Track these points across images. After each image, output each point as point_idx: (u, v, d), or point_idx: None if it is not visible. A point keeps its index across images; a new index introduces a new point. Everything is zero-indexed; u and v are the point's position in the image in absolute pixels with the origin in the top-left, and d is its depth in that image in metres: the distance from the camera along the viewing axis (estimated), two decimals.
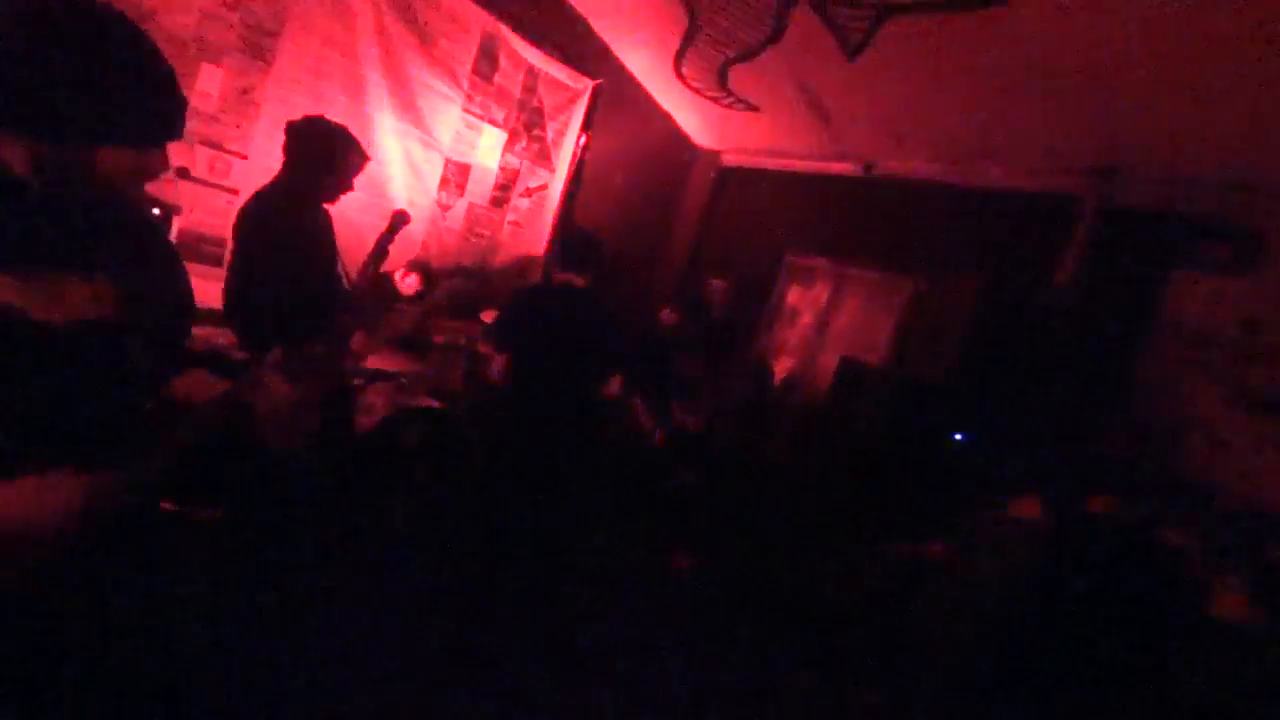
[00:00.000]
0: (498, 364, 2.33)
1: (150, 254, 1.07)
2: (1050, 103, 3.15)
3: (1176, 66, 2.57)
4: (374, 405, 3.14)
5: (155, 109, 0.90)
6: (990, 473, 3.06)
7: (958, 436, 3.46)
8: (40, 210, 0.86)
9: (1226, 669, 2.18)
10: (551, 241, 4.52)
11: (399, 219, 2.10)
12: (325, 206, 2.12)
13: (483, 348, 3.55)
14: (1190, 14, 2.31)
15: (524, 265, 4.51)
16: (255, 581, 2.15)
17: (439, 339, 3.62)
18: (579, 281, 2.40)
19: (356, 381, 2.62)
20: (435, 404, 3.23)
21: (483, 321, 3.86)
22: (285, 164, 1.99)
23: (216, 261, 2.88)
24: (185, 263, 1.17)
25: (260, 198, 1.98)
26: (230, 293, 1.95)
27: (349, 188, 2.07)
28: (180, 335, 1.17)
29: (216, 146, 2.97)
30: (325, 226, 2.12)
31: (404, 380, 3.26)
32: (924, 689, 2.54)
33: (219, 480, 2.25)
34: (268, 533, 2.21)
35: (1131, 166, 3.33)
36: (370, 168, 2.30)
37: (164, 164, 0.95)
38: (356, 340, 2.08)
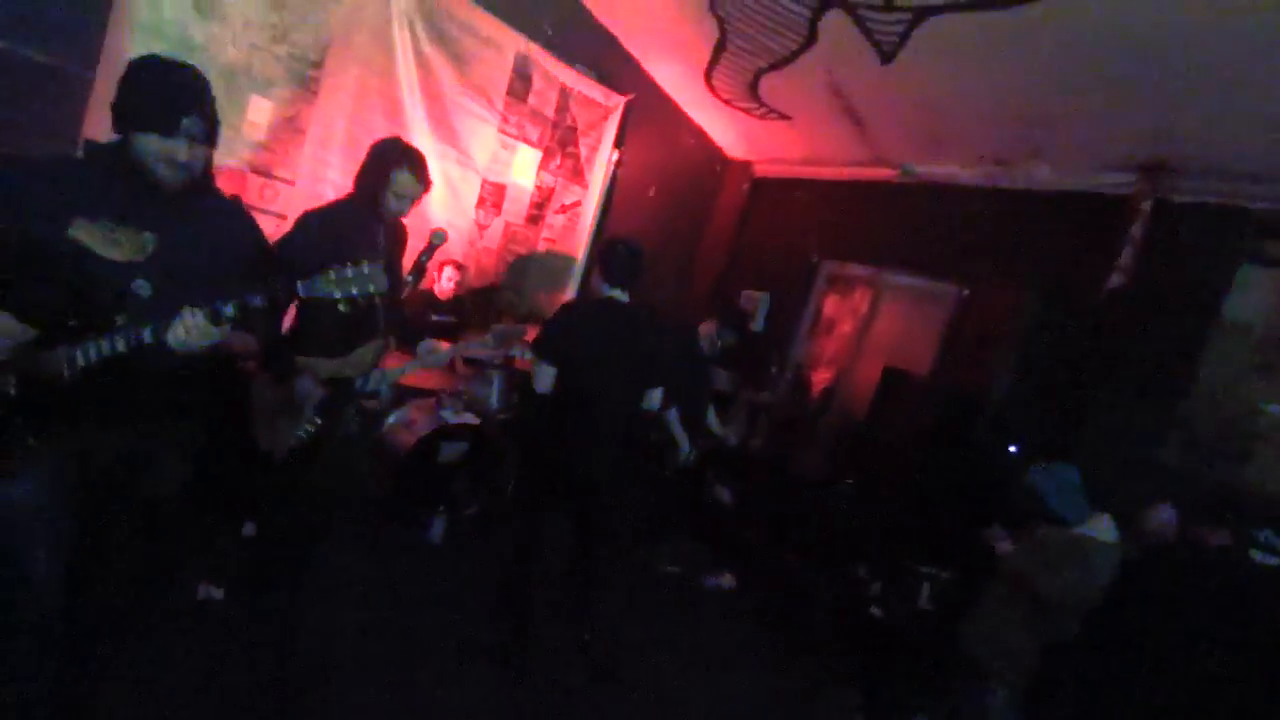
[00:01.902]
0: (545, 377, 2.33)
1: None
2: (1097, 99, 3.03)
3: (1229, 57, 2.44)
4: (415, 421, 3.19)
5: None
6: (1047, 487, 2.90)
7: (1012, 449, 3.32)
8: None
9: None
10: (589, 256, 4.55)
11: (437, 237, 2.14)
12: (399, 223, 2.26)
13: (519, 362, 3.57)
14: (1238, 3, 2.19)
15: (559, 280, 4.55)
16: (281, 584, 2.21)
17: (471, 353, 3.66)
18: (623, 296, 2.40)
19: (371, 402, 2.67)
20: (474, 420, 3.26)
21: (517, 335, 3.89)
22: (356, 177, 2.11)
23: None
24: None
25: (326, 208, 2.10)
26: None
27: (404, 208, 2.15)
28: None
29: (266, 174, 3.09)
30: (392, 243, 2.21)
31: (443, 397, 3.30)
32: (973, 712, 2.41)
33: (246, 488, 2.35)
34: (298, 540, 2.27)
35: (1186, 161, 3.16)
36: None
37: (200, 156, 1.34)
38: (391, 357, 2.13)
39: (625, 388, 2.43)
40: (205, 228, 1.40)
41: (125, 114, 1.26)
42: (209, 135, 1.33)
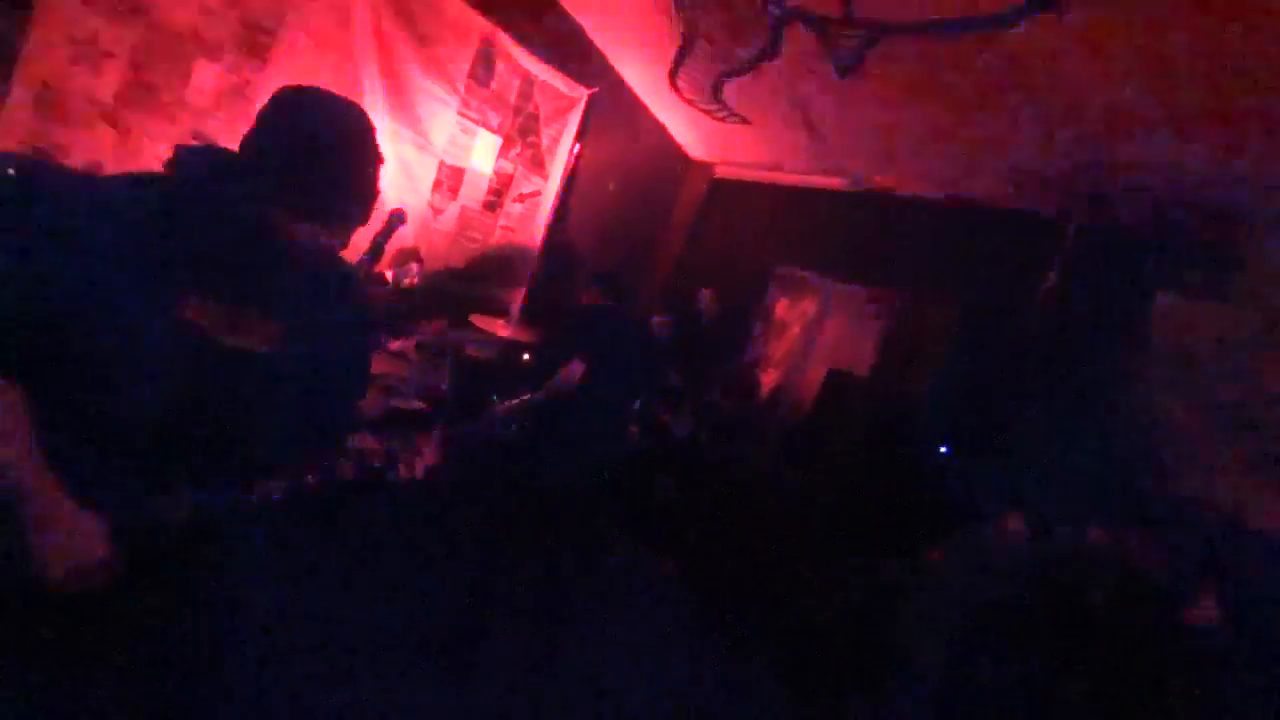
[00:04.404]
0: (576, 370, 2.38)
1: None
2: (1036, 126, 3.23)
3: (1158, 96, 2.65)
4: (362, 406, 3.13)
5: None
6: (972, 488, 3.10)
7: (943, 450, 3.51)
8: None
9: (1200, 680, 2.22)
10: (544, 246, 4.54)
11: (395, 218, 2.12)
12: None
13: (470, 350, 3.54)
14: (1172, 49, 2.39)
15: (516, 271, 4.52)
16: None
17: (424, 339, 3.61)
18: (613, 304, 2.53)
19: None
20: (423, 406, 3.22)
21: (471, 324, 3.86)
22: None
23: None
24: None
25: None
26: None
27: None
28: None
29: (208, 142, 2.96)
30: None
31: (391, 382, 3.25)
32: (903, 704, 2.56)
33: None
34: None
35: (1114, 190, 3.41)
36: None
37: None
38: None
39: (622, 392, 2.67)
40: None
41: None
42: None
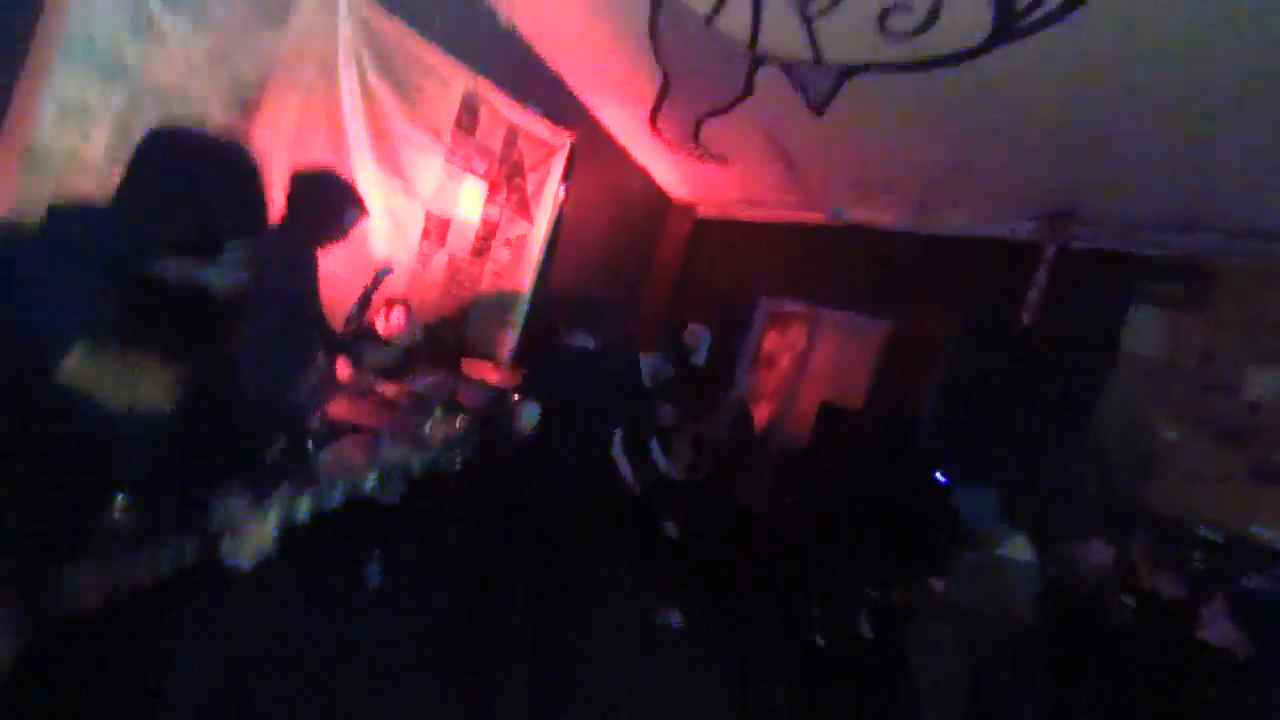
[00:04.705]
0: (532, 415, 2.34)
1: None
2: (1008, 154, 3.35)
3: (1127, 121, 2.76)
4: (351, 459, 3.05)
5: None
6: (972, 510, 3.07)
7: (938, 476, 3.50)
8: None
9: (1217, 695, 2.18)
10: (535, 290, 4.56)
11: (383, 272, 2.12)
12: (316, 253, 2.14)
13: (463, 398, 3.50)
14: (1136, 78, 2.51)
15: (505, 316, 4.52)
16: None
17: (415, 389, 3.56)
18: (592, 344, 2.48)
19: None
20: (416, 457, 3.14)
21: (461, 372, 3.83)
22: (286, 211, 2.02)
23: None
24: None
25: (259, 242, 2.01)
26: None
27: (344, 238, 2.09)
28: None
29: None
30: (313, 273, 2.13)
31: (383, 433, 3.18)
32: None
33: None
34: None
35: (1087, 212, 3.53)
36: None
37: None
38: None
39: (599, 429, 2.59)
40: None
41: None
42: None
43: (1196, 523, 3.00)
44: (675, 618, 3.58)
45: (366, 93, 3.37)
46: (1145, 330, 3.42)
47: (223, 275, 1.00)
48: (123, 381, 0.91)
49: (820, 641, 3.20)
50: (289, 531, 2.43)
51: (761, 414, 4.75)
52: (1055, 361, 3.57)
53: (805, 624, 3.29)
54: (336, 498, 2.21)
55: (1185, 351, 3.30)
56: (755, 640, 3.36)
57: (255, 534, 1.09)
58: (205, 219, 1.01)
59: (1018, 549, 2.47)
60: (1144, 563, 2.75)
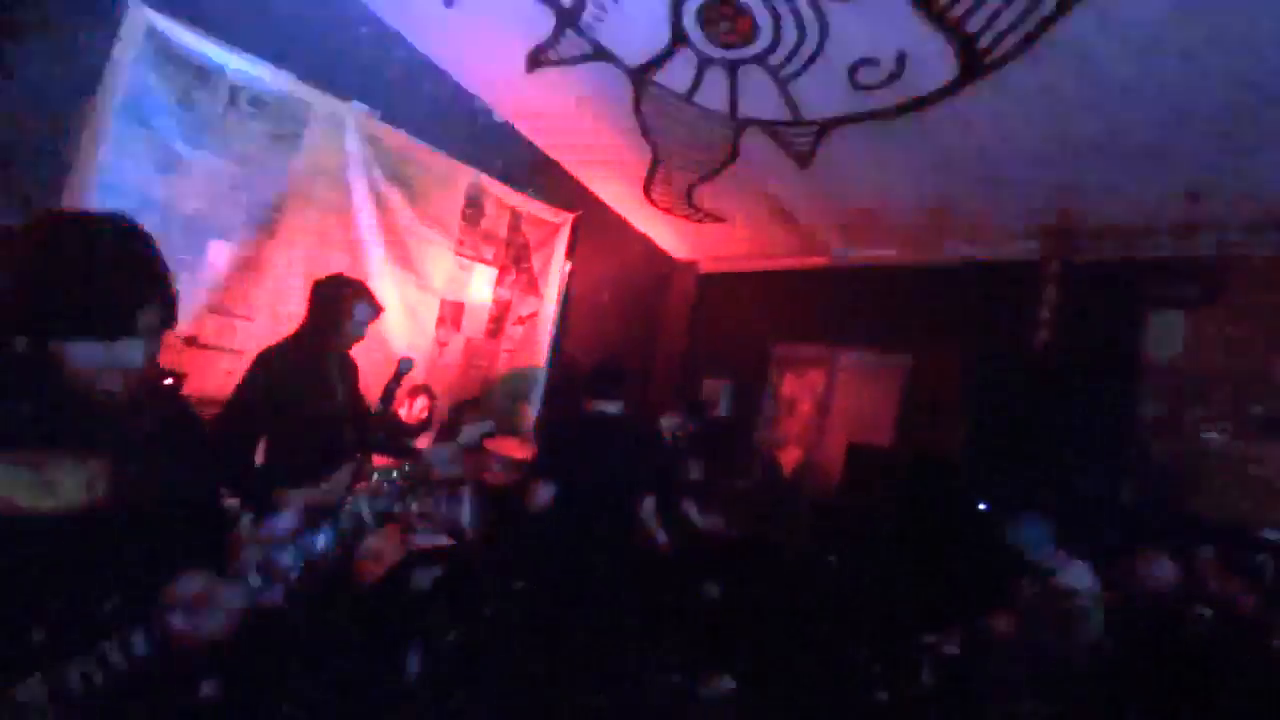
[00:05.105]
0: (544, 494, 2.34)
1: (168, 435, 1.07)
2: (996, 180, 3.42)
3: (1119, 131, 2.81)
4: (381, 551, 3.06)
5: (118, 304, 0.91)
6: (1024, 541, 2.96)
7: (982, 507, 3.39)
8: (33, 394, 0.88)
9: None
10: (550, 363, 4.65)
11: (404, 365, 2.22)
12: (347, 354, 2.28)
13: (488, 476, 3.52)
14: (1113, 87, 2.58)
15: (525, 390, 4.60)
16: None
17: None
18: (614, 408, 2.50)
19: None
20: (448, 541, 3.15)
21: (487, 450, 3.86)
22: (307, 315, 2.13)
23: None
24: None
25: (282, 346, 2.12)
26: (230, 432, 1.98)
27: (361, 336, 2.20)
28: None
29: (224, 313, 3.12)
30: (345, 373, 2.23)
31: (412, 519, 3.20)
32: None
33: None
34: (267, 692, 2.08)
35: (1086, 225, 3.54)
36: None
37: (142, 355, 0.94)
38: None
39: (621, 501, 2.54)
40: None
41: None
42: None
43: (1255, 525, 2.86)
44: (724, 683, 3.44)
45: (378, 201, 3.59)
46: (1166, 334, 3.37)
47: (118, 357, 0.91)
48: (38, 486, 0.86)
49: (882, 696, 3.04)
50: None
51: (789, 460, 4.68)
52: (1080, 377, 3.51)
53: (864, 679, 3.14)
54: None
55: (1210, 349, 3.23)
56: (813, 701, 3.19)
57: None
58: (98, 297, 0.90)
59: (1078, 577, 2.37)
60: (1214, 573, 2.61)
